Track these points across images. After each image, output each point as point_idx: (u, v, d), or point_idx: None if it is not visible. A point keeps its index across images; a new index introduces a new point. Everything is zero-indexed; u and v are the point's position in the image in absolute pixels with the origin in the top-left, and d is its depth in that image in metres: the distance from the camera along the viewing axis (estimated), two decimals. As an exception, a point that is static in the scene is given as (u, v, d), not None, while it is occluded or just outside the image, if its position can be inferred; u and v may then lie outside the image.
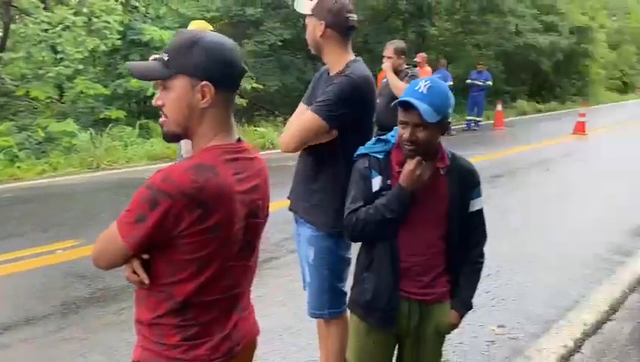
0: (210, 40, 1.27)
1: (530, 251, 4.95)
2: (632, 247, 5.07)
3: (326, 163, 2.26)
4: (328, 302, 2.38)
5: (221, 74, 1.26)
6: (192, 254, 1.23)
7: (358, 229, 1.87)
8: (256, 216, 1.35)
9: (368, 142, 1.97)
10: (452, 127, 12.97)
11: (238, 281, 1.35)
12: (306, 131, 2.20)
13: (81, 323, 3.50)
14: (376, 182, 1.88)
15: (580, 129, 13.23)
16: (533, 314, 3.68)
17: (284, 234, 4.78)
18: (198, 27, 4.04)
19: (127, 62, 1.98)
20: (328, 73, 2.35)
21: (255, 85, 12.43)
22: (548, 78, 23.86)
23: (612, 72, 33.17)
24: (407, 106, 1.75)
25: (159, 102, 1.30)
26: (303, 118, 2.22)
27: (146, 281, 1.27)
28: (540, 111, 20.41)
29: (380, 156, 1.89)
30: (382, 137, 1.95)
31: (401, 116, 1.78)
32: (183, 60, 1.25)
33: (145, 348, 1.31)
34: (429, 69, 10.65)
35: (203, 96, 1.25)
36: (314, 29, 2.27)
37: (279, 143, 2.42)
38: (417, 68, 10.26)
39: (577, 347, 3.28)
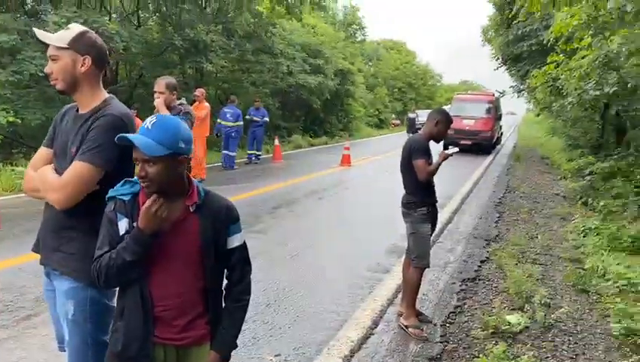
0: None
1: (306, 278, 5.27)
2: (389, 264, 5.76)
3: (81, 207, 2.08)
4: (92, 358, 2.18)
5: None
6: None
7: (102, 275, 1.80)
8: None
9: (117, 185, 1.90)
10: (235, 161, 13.30)
11: None
12: (83, 184, 2.04)
13: None
14: (123, 226, 1.82)
15: (345, 161, 14.76)
16: (307, 338, 3.89)
17: (45, 287, 4.26)
18: None
19: None
20: (77, 111, 2.22)
21: (12, 119, 10.99)
22: (318, 115, 26.28)
23: (370, 110, 38.27)
24: (132, 144, 1.74)
25: None
26: (75, 170, 2.04)
27: None
28: (313, 145, 22.23)
29: (126, 198, 1.84)
30: (130, 179, 1.90)
31: (133, 154, 1.77)
32: None
33: None
34: (207, 104, 10.74)
35: None
36: (74, 64, 2.14)
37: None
38: (196, 102, 10.37)
39: (346, 363, 3.57)
